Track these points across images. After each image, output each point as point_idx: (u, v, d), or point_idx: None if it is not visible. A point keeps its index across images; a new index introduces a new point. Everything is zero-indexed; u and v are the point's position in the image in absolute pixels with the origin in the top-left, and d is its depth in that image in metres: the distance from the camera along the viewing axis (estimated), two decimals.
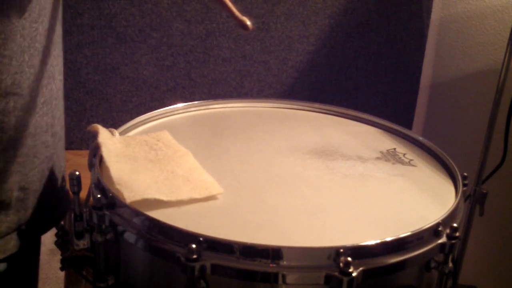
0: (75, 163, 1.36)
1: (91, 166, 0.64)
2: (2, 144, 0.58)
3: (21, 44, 0.57)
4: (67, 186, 0.72)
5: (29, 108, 0.60)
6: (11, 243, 0.61)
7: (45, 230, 0.68)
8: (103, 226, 0.54)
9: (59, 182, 0.69)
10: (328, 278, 0.47)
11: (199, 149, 0.70)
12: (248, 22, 0.62)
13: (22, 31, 0.57)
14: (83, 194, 0.59)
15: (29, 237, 0.64)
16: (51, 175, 0.65)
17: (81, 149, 1.49)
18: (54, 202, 0.68)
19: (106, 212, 0.54)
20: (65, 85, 0.68)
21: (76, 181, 0.58)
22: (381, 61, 1.59)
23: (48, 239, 0.71)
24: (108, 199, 0.55)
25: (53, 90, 0.64)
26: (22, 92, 0.58)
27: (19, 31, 0.57)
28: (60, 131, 0.68)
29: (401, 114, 1.67)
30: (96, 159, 0.63)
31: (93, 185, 0.59)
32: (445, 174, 0.69)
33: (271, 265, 0.48)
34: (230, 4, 0.63)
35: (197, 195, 0.58)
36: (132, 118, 0.77)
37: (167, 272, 0.53)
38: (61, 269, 0.63)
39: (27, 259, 0.69)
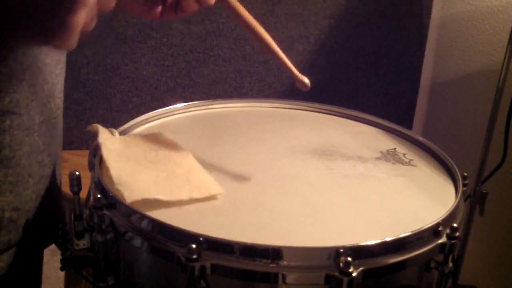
0: (75, 163, 1.37)
1: (91, 166, 0.63)
2: None
3: (22, 62, 0.54)
4: (63, 203, 0.71)
5: (26, 127, 0.57)
6: (1, 264, 0.59)
7: (40, 249, 0.66)
8: (103, 226, 0.54)
9: (55, 200, 0.67)
10: (328, 278, 0.47)
11: (199, 149, 0.70)
12: (306, 80, 0.61)
13: (24, 48, 0.54)
14: (83, 194, 0.59)
15: (22, 257, 0.62)
16: (47, 194, 0.64)
17: (81, 149, 1.49)
18: (50, 220, 0.66)
19: (106, 212, 0.54)
20: (65, 85, 0.67)
21: (76, 181, 0.58)
22: (381, 61, 1.59)
23: None
24: (108, 199, 0.55)
25: (52, 109, 0.62)
26: (20, 111, 0.56)
27: (20, 48, 0.54)
28: (57, 149, 0.66)
29: (401, 114, 1.67)
30: (96, 159, 0.63)
31: (93, 185, 0.59)
32: (445, 174, 0.69)
33: (271, 265, 0.48)
34: (289, 63, 0.61)
35: (197, 195, 0.58)
36: (132, 118, 0.76)
37: (167, 272, 0.53)
38: (61, 269, 0.62)
39: (25, 277, 0.67)
